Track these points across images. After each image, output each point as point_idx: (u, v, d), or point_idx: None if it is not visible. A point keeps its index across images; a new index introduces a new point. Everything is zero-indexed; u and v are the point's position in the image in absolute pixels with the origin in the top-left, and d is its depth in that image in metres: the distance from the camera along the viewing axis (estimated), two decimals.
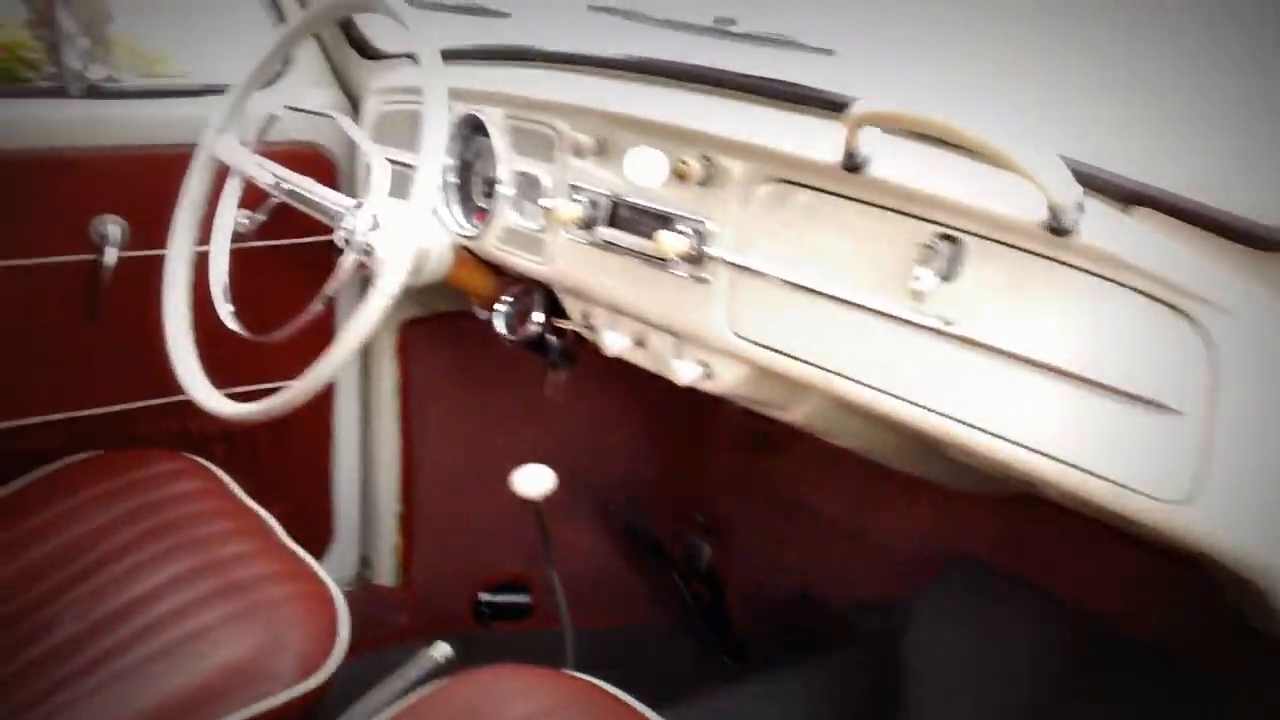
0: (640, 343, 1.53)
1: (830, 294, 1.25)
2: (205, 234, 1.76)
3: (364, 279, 1.55)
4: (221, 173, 1.75)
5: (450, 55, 1.88)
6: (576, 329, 1.64)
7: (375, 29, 1.98)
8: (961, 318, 1.14)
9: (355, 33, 1.98)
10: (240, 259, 1.76)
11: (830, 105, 1.29)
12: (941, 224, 1.14)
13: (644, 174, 1.44)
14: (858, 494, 2.09)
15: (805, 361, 1.30)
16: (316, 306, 1.51)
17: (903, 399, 1.20)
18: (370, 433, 2.26)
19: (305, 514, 2.25)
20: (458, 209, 1.79)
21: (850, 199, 1.23)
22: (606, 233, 1.50)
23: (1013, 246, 1.11)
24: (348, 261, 1.50)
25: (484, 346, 2.01)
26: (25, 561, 1.56)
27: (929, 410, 1.18)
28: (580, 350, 1.75)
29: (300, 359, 1.52)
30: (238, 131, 1.75)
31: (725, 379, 1.44)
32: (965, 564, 1.87)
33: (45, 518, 1.63)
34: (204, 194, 1.73)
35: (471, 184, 1.79)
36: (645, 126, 1.46)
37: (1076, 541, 1.57)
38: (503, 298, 1.76)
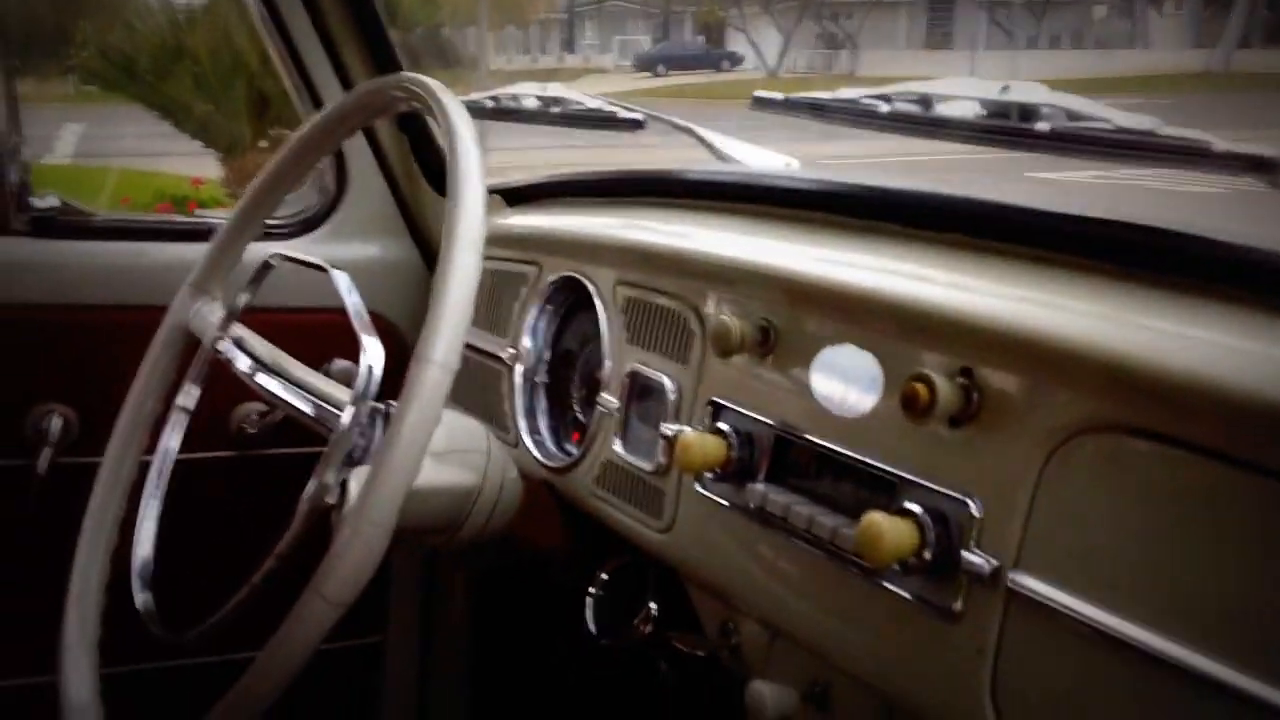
0: (819, 702, 0.82)
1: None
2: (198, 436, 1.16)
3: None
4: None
5: (548, 189, 1.28)
6: (708, 651, 0.95)
7: None
8: None
9: (433, 159, 1.38)
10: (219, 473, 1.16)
11: None
12: None
13: (845, 393, 0.78)
14: None
15: None
16: (249, 591, 0.88)
17: None
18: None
19: None
20: (544, 423, 1.15)
21: None
22: (765, 493, 0.82)
23: None
24: (305, 506, 0.87)
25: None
26: None
27: None
28: (710, 682, 1.04)
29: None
30: (226, 291, 1.16)
31: None
32: None
33: None
34: (167, 380, 1.14)
35: (571, 386, 1.14)
36: (850, 304, 0.79)
37: None
38: (600, 576, 1.08)
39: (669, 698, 0.95)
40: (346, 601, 0.77)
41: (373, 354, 0.90)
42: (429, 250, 1.43)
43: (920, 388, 0.69)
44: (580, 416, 1.12)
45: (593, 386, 1.09)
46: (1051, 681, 0.64)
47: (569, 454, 1.10)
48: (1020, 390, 0.68)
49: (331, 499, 0.87)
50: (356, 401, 0.90)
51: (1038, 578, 0.65)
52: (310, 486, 0.89)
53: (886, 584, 0.73)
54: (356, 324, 0.93)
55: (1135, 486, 0.61)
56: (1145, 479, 0.61)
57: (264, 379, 1.05)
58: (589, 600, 1.07)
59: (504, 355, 1.17)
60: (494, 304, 1.21)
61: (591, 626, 1.07)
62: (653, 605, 1.02)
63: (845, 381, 0.78)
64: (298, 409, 1.02)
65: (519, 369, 1.15)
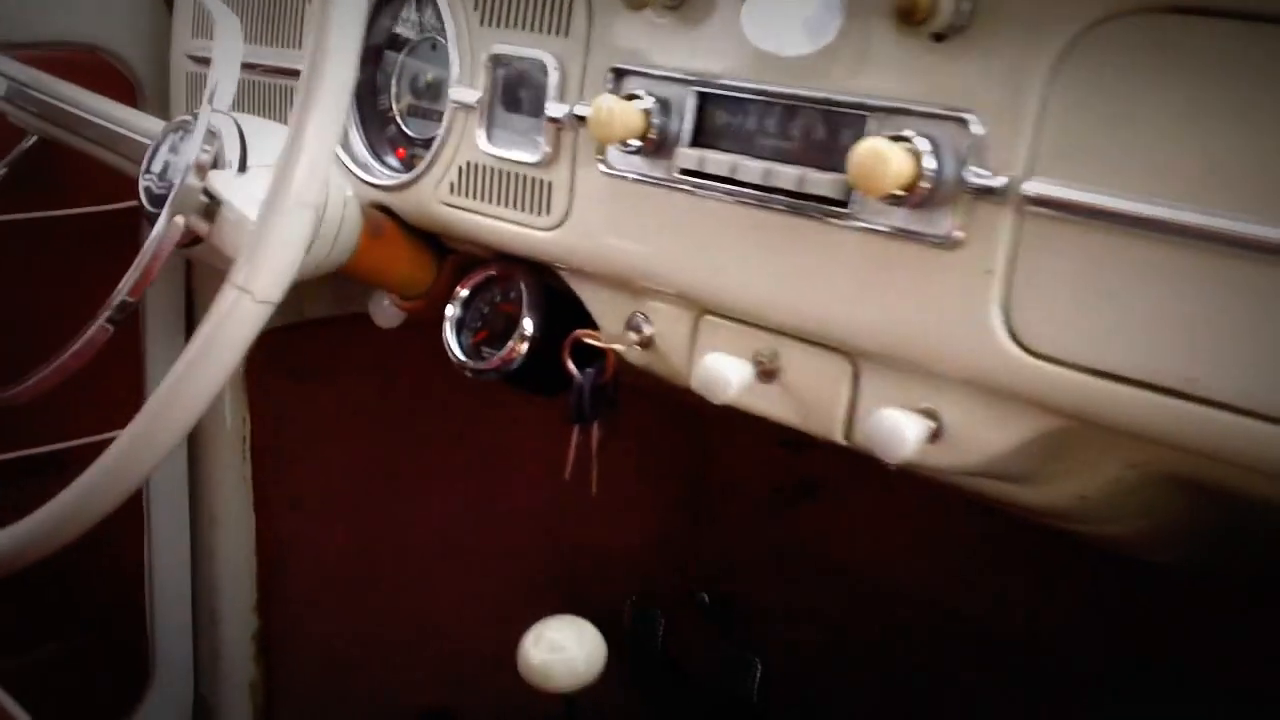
0: (767, 375, 0.78)
1: None
2: None
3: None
4: None
5: None
6: (612, 348, 0.88)
7: None
8: None
9: None
10: None
11: None
12: None
13: (790, 28, 0.71)
14: (948, 561, 1.41)
15: (1208, 401, 0.59)
16: (95, 331, 0.74)
17: None
18: (204, 510, 1.46)
19: (104, 646, 1.44)
20: (358, 139, 1.02)
21: None
22: (702, 155, 0.75)
23: None
24: (161, 229, 0.73)
25: (388, 366, 1.34)
26: None
27: None
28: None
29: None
30: None
31: (979, 444, 0.71)
32: None
33: None
34: None
35: (384, 95, 1.01)
36: None
37: None
38: (459, 289, 0.98)
39: (586, 401, 0.87)
40: (276, 299, 0.66)
41: (228, 28, 0.75)
42: None
43: None
44: (404, 128, 1.00)
45: (421, 90, 0.97)
46: (1074, 284, 0.62)
47: (394, 170, 0.99)
48: None
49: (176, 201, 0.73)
50: (212, 95, 0.75)
51: (1055, 183, 0.62)
52: (170, 196, 0.75)
53: (868, 225, 0.69)
54: None
55: (1167, 68, 0.59)
56: (1180, 58, 0.59)
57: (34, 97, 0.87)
58: (447, 322, 0.98)
59: (300, 67, 1.02)
60: (278, 9, 1.04)
61: (456, 353, 0.97)
62: (528, 322, 0.94)
63: (790, 14, 0.71)
64: (90, 128, 0.85)
65: None
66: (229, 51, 0.77)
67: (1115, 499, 0.79)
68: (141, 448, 0.68)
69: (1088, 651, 1.29)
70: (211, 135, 0.76)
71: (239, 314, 0.66)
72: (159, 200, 0.78)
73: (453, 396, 1.36)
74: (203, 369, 0.66)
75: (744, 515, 1.57)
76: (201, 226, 0.76)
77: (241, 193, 0.76)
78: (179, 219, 0.74)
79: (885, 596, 1.45)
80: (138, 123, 0.89)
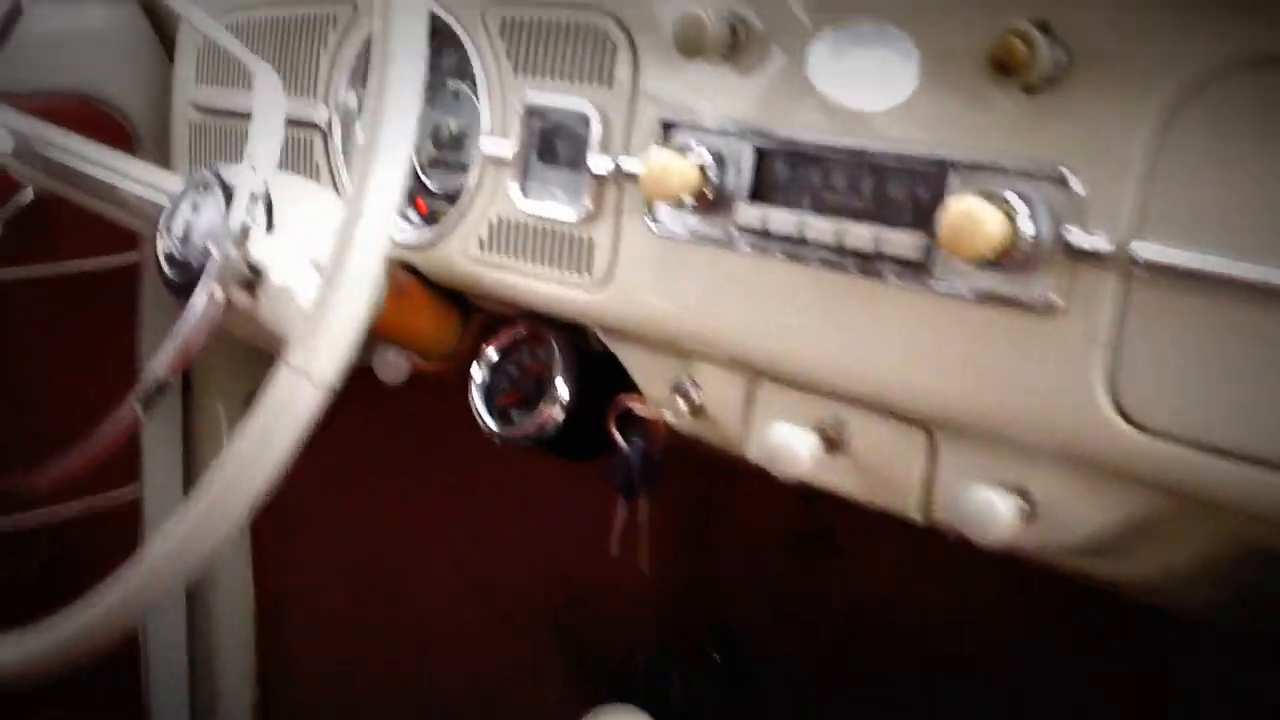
0: (833, 441, 0.73)
1: None
2: None
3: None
4: None
5: None
6: (661, 416, 0.82)
7: None
8: None
9: None
10: None
11: None
12: None
13: (862, 83, 0.66)
14: (971, 610, 1.36)
15: None
16: (126, 414, 0.68)
17: None
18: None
19: (98, 716, 1.37)
20: None
21: None
22: (765, 213, 0.70)
23: None
24: (202, 303, 0.67)
25: (389, 417, 1.25)
26: None
27: None
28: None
29: None
30: None
31: (1076, 523, 0.66)
32: None
33: None
34: None
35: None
36: None
37: None
38: (486, 350, 0.93)
39: (636, 472, 0.82)
40: (335, 384, 0.60)
41: (267, 84, 0.69)
42: (156, 14, 1.16)
43: (1017, 43, 0.59)
44: (425, 180, 0.95)
45: (445, 141, 0.92)
46: (1189, 355, 0.57)
47: (416, 224, 0.93)
48: (1128, 35, 0.59)
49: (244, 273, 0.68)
50: (252, 156, 0.70)
51: (1166, 246, 0.57)
52: (210, 267, 0.69)
53: (952, 289, 0.64)
54: (216, 37, 0.72)
55: None
56: None
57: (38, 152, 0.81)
58: (475, 390, 0.92)
59: (315, 119, 0.96)
60: (289, 58, 0.99)
61: (488, 422, 0.91)
62: (561, 385, 0.89)
63: (863, 63, 0.67)
64: (101, 185, 0.79)
65: (338, 132, 0.95)
66: (270, 108, 0.71)
67: (1199, 572, 0.74)
68: (190, 546, 0.63)
69: (1121, 704, 1.24)
70: (254, 200, 0.71)
71: (298, 401, 0.60)
72: (182, 265, 0.73)
73: (452, 444, 1.31)
74: (257, 464, 0.61)
75: (758, 561, 1.52)
76: (242, 299, 0.71)
77: (278, 258, 0.71)
78: (218, 292, 0.69)
79: (906, 644, 1.41)
80: (155, 180, 0.84)
